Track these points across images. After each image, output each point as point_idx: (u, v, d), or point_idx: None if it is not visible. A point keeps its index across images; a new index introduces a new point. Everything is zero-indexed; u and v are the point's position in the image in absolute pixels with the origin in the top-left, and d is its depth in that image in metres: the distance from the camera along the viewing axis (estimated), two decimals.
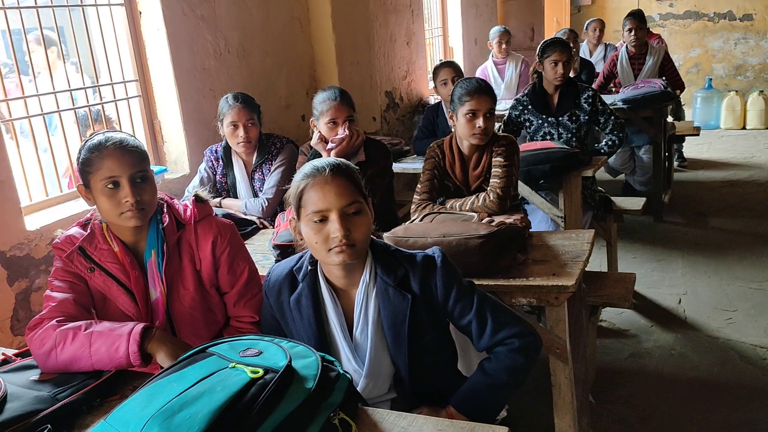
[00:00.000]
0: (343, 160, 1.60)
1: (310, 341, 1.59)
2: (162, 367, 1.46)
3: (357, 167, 1.61)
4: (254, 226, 2.73)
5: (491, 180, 2.53)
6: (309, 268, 1.62)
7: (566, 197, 3.24)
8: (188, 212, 1.78)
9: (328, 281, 1.61)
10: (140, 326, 1.54)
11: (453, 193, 2.64)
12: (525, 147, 3.32)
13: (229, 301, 1.82)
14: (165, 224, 1.73)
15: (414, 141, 4.16)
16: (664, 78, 4.94)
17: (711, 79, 7.83)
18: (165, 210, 1.76)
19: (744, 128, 7.69)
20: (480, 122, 2.48)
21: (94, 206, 1.72)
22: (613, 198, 3.79)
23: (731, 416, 2.57)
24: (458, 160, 2.62)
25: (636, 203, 3.81)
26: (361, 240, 1.53)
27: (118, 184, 1.65)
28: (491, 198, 2.47)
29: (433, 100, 5.48)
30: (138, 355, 1.51)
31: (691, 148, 6.64)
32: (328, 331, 1.62)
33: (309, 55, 4.19)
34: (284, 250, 2.23)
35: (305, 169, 1.56)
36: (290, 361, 1.21)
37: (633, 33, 5.10)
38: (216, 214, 2.49)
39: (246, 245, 2.49)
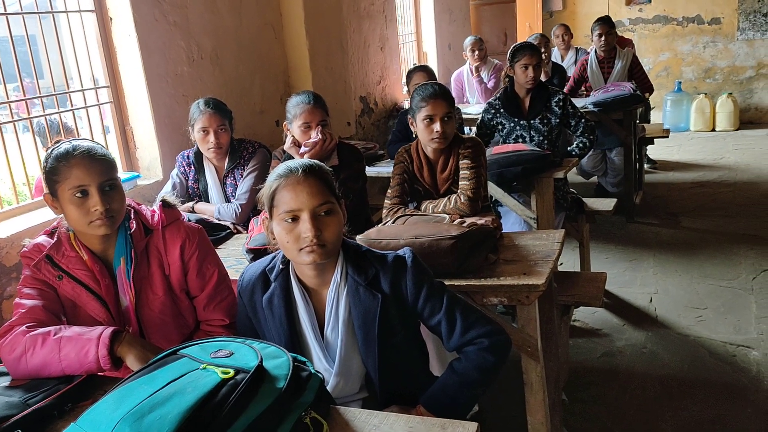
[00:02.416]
0: (316, 161, 1.62)
1: (282, 340, 1.61)
2: (132, 371, 1.46)
3: (330, 169, 1.63)
4: (228, 230, 2.73)
5: (460, 183, 2.56)
6: (281, 267, 1.63)
7: (538, 199, 3.29)
8: (155, 217, 1.79)
9: (299, 281, 1.63)
10: (109, 330, 1.54)
11: (423, 197, 2.67)
12: (497, 150, 3.37)
13: (198, 305, 1.83)
14: (132, 230, 1.73)
15: (388, 145, 4.19)
16: (633, 81, 5.03)
17: (680, 83, 7.98)
18: (132, 216, 1.76)
19: (713, 130, 7.84)
20: (437, 127, 2.51)
21: (61, 215, 1.71)
22: (585, 199, 3.85)
23: (701, 413, 2.62)
24: (425, 165, 2.65)
25: (607, 204, 3.87)
26: (332, 240, 1.54)
27: (86, 193, 1.64)
28: (462, 200, 2.50)
29: (407, 104, 5.50)
30: (108, 359, 1.51)
31: (661, 150, 6.76)
32: (300, 330, 1.63)
33: (283, 61, 4.20)
34: (258, 254, 2.23)
35: (278, 169, 1.58)
36: (261, 362, 1.22)
37: (602, 38, 5.19)
38: (190, 220, 2.50)
39: (219, 250, 2.52)
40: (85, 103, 3.10)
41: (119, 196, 1.70)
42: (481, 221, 2.26)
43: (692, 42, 8.10)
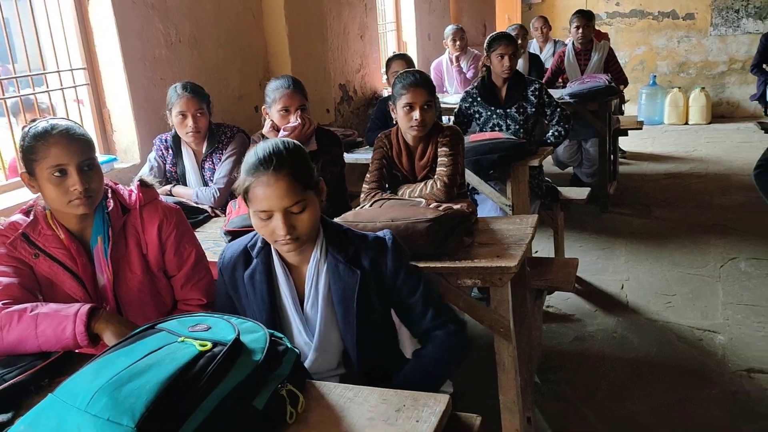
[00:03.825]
0: (289, 143, 1.60)
1: (263, 315, 1.64)
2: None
3: (305, 150, 1.64)
4: (206, 214, 2.74)
5: (437, 168, 2.59)
6: (262, 245, 1.66)
7: (514, 186, 3.34)
8: (133, 197, 1.80)
9: (280, 257, 1.66)
10: (87, 307, 1.55)
11: (401, 183, 2.70)
12: (474, 138, 3.41)
13: (176, 284, 1.84)
14: (110, 209, 1.74)
15: (367, 132, 4.20)
16: (609, 74, 5.10)
17: (655, 76, 8.10)
18: (110, 195, 1.77)
19: (686, 123, 7.99)
20: (416, 114, 2.54)
21: (38, 194, 1.71)
22: (559, 188, 3.91)
23: (668, 394, 2.70)
24: (404, 151, 2.68)
25: (581, 193, 3.94)
26: (306, 233, 1.57)
27: (65, 172, 1.64)
28: (438, 186, 2.54)
29: (386, 92, 5.53)
30: (85, 335, 1.52)
31: (636, 143, 6.87)
32: (281, 305, 1.66)
33: (262, 47, 4.19)
34: (236, 236, 2.24)
35: (250, 160, 1.56)
36: (239, 335, 1.24)
37: (580, 30, 5.27)
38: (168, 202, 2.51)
39: (198, 233, 2.53)
40: (61, 85, 3.07)
41: (98, 175, 1.71)
42: (456, 206, 2.30)
43: (667, 36, 8.22)
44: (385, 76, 4.94)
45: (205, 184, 2.95)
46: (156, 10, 3.29)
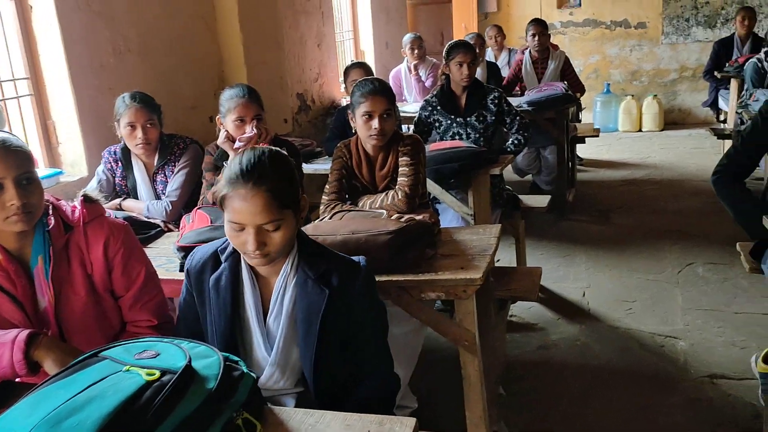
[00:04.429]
0: (277, 156, 1.54)
1: (223, 322, 1.58)
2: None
3: (291, 162, 1.58)
4: (158, 229, 2.62)
5: (398, 179, 2.54)
6: (233, 249, 1.60)
7: (475, 195, 3.31)
8: (76, 213, 1.69)
9: (249, 265, 1.60)
10: (25, 333, 1.44)
11: (361, 193, 2.64)
12: (434, 146, 3.38)
13: (124, 305, 1.74)
14: (50, 227, 1.63)
15: (325, 142, 4.14)
16: (565, 82, 5.16)
17: (609, 84, 8.24)
18: (50, 212, 1.66)
19: (640, 130, 8.14)
20: (376, 123, 2.48)
21: None
22: (520, 196, 3.91)
23: (630, 402, 2.69)
24: (364, 161, 2.62)
25: (541, 201, 3.95)
26: (277, 250, 1.52)
27: (1, 187, 1.54)
28: (399, 196, 2.48)
29: (344, 102, 5.48)
30: (24, 363, 1.41)
31: (592, 150, 6.96)
32: (243, 314, 1.61)
33: (216, 55, 4.09)
34: (189, 252, 2.14)
35: (233, 168, 1.50)
36: (190, 362, 1.16)
37: (536, 38, 5.33)
38: (117, 218, 2.39)
39: (149, 249, 2.42)
40: (3, 96, 2.92)
41: (37, 190, 1.60)
42: (418, 217, 2.25)
43: (620, 45, 8.38)
44: (343, 85, 4.89)
45: (158, 197, 2.84)
46: (102, 17, 3.17)
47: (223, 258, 1.62)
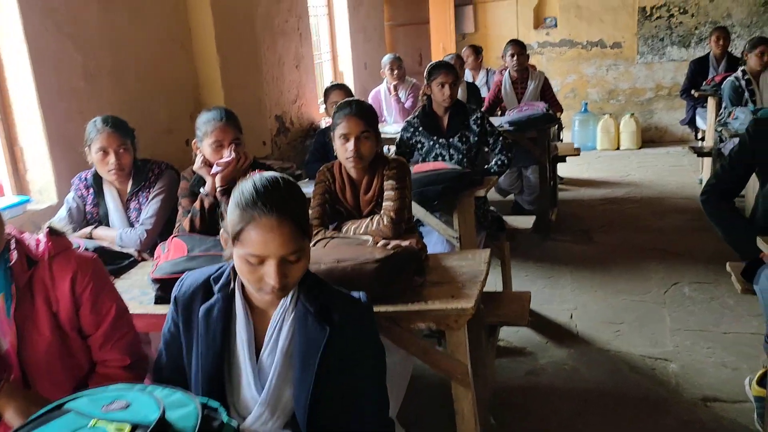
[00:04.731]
0: (287, 181, 1.45)
1: (210, 357, 1.47)
2: (11, 427, 1.25)
3: (305, 193, 1.51)
4: (131, 258, 2.49)
5: (384, 203, 2.45)
6: (228, 278, 1.50)
7: (460, 218, 3.24)
8: (41, 247, 1.57)
9: (245, 296, 1.49)
10: None
11: (345, 219, 2.54)
12: (417, 168, 3.31)
13: (94, 345, 1.62)
14: (12, 262, 1.51)
15: (305, 165, 4.06)
16: (545, 101, 5.15)
17: (587, 104, 8.29)
18: (13, 246, 1.54)
19: (618, 149, 8.18)
20: (350, 145, 2.41)
21: None
22: (504, 217, 3.85)
23: (622, 425, 2.63)
24: (348, 185, 2.53)
25: (527, 222, 3.90)
26: (295, 282, 1.44)
27: None
28: (385, 222, 2.40)
29: (324, 123, 5.41)
30: None
31: (572, 169, 6.95)
32: (233, 349, 1.50)
33: (192, 77, 4.00)
34: (165, 284, 2.03)
35: (247, 197, 1.38)
36: (163, 413, 1.06)
37: (515, 58, 5.33)
38: (87, 248, 2.27)
39: (122, 280, 2.30)
40: None
41: None
42: (405, 243, 2.16)
43: (596, 65, 8.45)
44: (323, 107, 4.81)
45: (131, 225, 2.72)
46: (73, 40, 3.06)
47: (216, 288, 1.51)
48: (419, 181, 3.16)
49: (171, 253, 2.18)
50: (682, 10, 7.93)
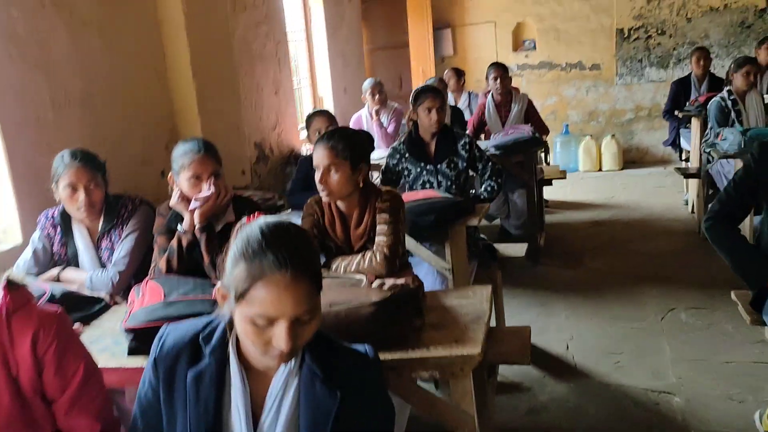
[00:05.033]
0: (293, 226, 1.29)
1: (200, 427, 1.30)
2: None
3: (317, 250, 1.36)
4: (103, 303, 2.28)
5: (376, 238, 2.30)
6: (222, 339, 1.33)
7: (452, 248, 3.09)
8: None
9: (240, 357, 1.32)
10: None
11: (335, 254, 2.38)
12: (407, 197, 3.14)
13: (59, 411, 1.43)
14: None
15: (288, 194, 3.90)
16: (530, 124, 5.07)
17: (568, 125, 8.27)
18: None
19: (600, 170, 8.15)
20: (318, 177, 2.28)
21: None
22: (495, 245, 3.72)
23: None
24: (338, 218, 2.37)
25: (519, 250, 3.77)
26: (304, 344, 1.28)
27: None
28: (378, 259, 2.24)
29: (305, 151, 5.26)
30: None
31: (556, 191, 6.88)
32: (227, 419, 1.31)
33: (167, 105, 3.83)
34: (140, 335, 1.84)
35: (256, 247, 1.21)
36: None
37: (498, 81, 5.27)
38: (54, 294, 2.07)
39: (92, 328, 2.10)
40: None
41: None
42: (400, 281, 2.00)
43: (576, 86, 8.45)
44: (303, 133, 4.67)
45: (103, 266, 2.52)
46: (40, 69, 2.88)
47: (207, 351, 1.33)
48: (411, 211, 3.00)
49: (146, 297, 2.00)
50: (659, 32, 7.97)
